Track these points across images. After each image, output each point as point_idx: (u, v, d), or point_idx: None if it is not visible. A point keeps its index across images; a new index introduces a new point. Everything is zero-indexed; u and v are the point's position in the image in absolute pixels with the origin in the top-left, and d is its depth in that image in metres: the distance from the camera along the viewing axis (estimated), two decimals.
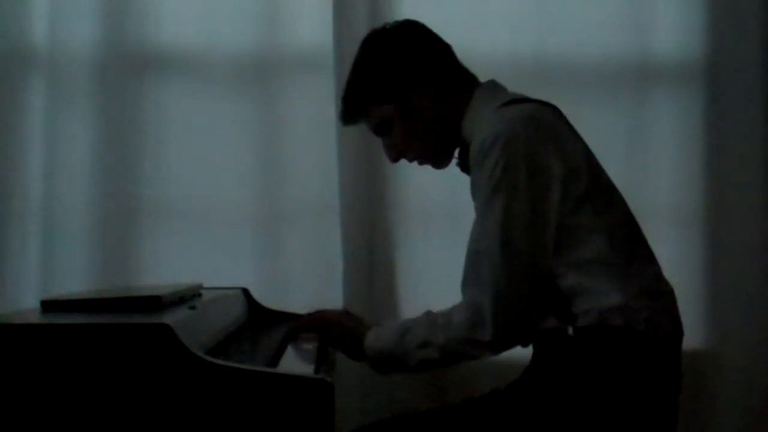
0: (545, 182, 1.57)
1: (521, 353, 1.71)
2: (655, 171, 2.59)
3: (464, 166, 1.78)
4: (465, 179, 2.52)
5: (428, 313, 1.67)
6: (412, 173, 2.58)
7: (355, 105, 1.80)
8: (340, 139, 2.53)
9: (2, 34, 2.52)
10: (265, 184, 2.57)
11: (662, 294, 1.62)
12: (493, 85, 1.78)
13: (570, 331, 1.58)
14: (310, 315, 1.82)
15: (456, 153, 1.81)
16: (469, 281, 1.62)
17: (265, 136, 2.58)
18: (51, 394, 1.29)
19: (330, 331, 1.76)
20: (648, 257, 1.66)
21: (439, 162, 1.83)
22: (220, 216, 2.56)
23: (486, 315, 1.56)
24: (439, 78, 1.75)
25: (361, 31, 2.51)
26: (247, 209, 2.56)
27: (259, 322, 2.12)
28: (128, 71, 2.54)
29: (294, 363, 1.60)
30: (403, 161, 1.86)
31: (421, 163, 1.84)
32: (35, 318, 1.45)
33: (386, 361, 1.69)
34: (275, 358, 1.59)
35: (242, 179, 2.56)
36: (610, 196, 1.66)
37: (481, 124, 1.65)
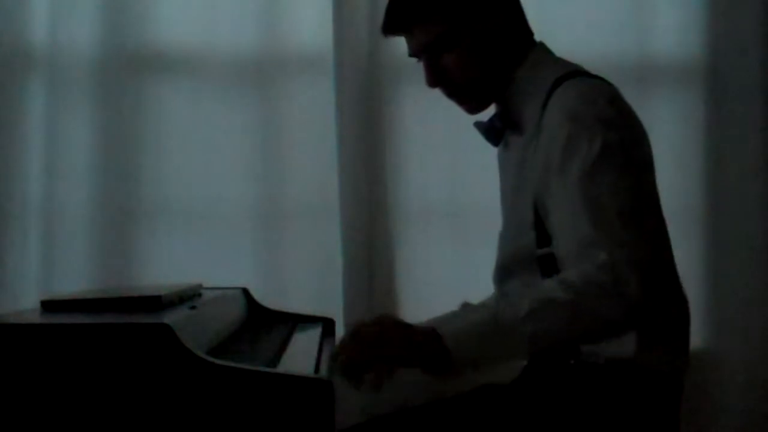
0: (650, 163, 1.55)
1: None
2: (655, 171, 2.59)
3: (492, 132, 1.70)
4: (465, 179, 2.55)
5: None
6: (412, 173, 2.59)
7: (427, 7, 1.60)
8: (340, 139, 2.53)
9: (2, 34, 2.52)
10: (265, 184, 2.57)
11: (680, 330, 1.57)
12: (546, 51, 1.69)
13: (570, 360, 1.53)
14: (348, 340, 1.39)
15: (487, 122, 1.72)
16: (600, 236, 1.40)
17: (265, 136, 2.58)
18: (51, 394, 1.29)
19: (387, 352, 1.35)
20: (678, 285, 1.60)
21: (476, 102, 1.68)
22: (220, 216, 2.55)
23: (630, 273, 1.36)
24: (515, 19, 1.67)
25: (361, 31, 2.53)
26: (247, 209, 2.56)
27: (259, 322, 2.12)
28: (128, 71, 2.54)
29: (294, 363, 1.60)
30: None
31: (456, 99, 1.69)
32: (35, 318, 1.45)
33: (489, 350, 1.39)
34: (275, 358, 1.59)
35: (242, 179, 2.56)
36: (660, 210, 1.61)
37: (539, 87, 1.58)
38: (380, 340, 1.35)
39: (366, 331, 1.37)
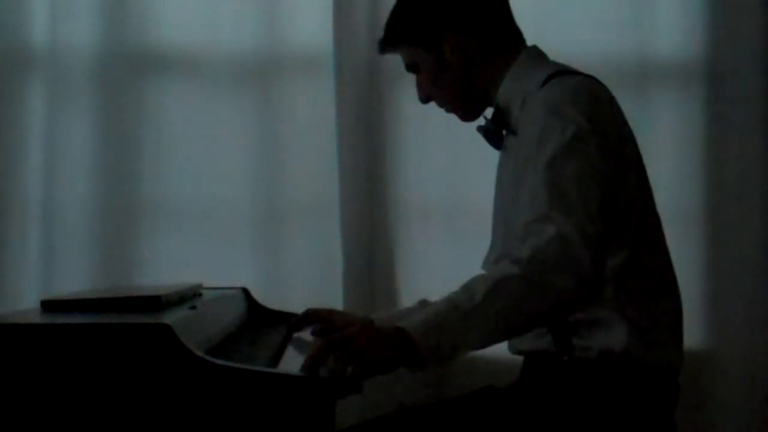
0: (630, 162, 1.55)
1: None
2: (655, 171, 2.57)
3: (491, 135, 1.72)
4: (464, 179, 2.55)
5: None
6: (412, 173, 2.59)
7: (389, 38, 1.74)
8: (340, 139, 2.53)
9: (2, 34, 2.52)
10: (265, 184, 2.57)
11: (673, 324, 1.58)
12: (538, 53, 1.71)
13: (564, 356, 1.54)
14: (323, 339, 1.38)
15: (486, 116, 1.75)
16: (553, 211, 1.41)
17: (265, 136, 2.58)
18: (51, 394, 1.29)
19: (355, 350, 1.33)
20: (672, 280, 1.61)
21: (465, 116, 1.76)
22: (220, 216, 2.56)
23: (579, 244, 1.37)
24: (482, 34, 1.68)
25: (361, 31, 2.53)
26: (247, 209, 2.56)
27: (259, 322, 2.12)
28: (128, 71, 2.54)
29: (294, 363, 1.60)
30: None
31: (447, 111, 1.77)
32: (35, 318, 1.45)
33: (454, 337, 1.36)
34: (275, 358, 1.59)
35: (242, 179, 2.56)
36: (651, 205, 1.62)
37: (530, 89, 1.60)
38: (354, 352, 1.32)
39: (338, 341, 1.34)
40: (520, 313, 1.38)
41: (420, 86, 1.75)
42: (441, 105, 1.76)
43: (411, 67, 1.74)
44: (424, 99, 1.76)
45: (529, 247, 1.39)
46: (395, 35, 1.72)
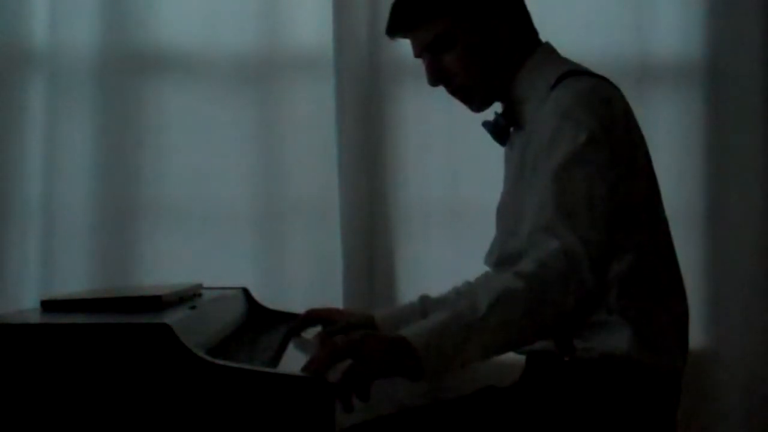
0: (641, 167, 1.55)
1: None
2: (655, 171, 2.59)
3: (498, 131, 1.71)
4: (464, 179, 2.56)
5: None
6: (412, 173, 2.59)
7: (428, 7, 1.63)
8: (340, 139, 2.53)
9: (2, 34, 2.52)
10: (265, 184, 2.57)
11: (678, 328, 1.58)
12: (551, 50, 1.70)
13: (565, 356, 1.53)
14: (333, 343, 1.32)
15: (490, 115, 1.73)
16: (558, 222, 1.40)
17: (265, 136, 2.58)
18: (51, 394, 1.29)
19: (364, 357, 1.30)
20: (678, 283, 1.61)
21: (479, 100, 1.70)
22: (220, 216, 2.55)
23: (582, 259, 1.36)
24: (519, 18, 1.68)
25: (361, 31, 2.53)
26: (247, 209, 2.56)
27: (259, 322, 2.12)
28: (128, 71, 2.54)
29: (294, 363, 1.60)
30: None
31: (459, 97, 1.70)
32: (35, 318, 1.45)
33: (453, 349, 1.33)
34: (275, 358, 1.59)
35: (242, 179, 2.56)
36: (660, 210, 1.62)
37: (542, 86, 1.59)
38: (356, 359, 1.29)
39: (339, 349, 1.30)
40: (522, 327, 1.36)
41: (438, 66, 1.66)
42: (458, 89, 1.69)
43: (441, 42, 1.64)
44: (438, 81, 1.68)
45: (532, 261, 1.38)
46: (445, 3, 1.63)
